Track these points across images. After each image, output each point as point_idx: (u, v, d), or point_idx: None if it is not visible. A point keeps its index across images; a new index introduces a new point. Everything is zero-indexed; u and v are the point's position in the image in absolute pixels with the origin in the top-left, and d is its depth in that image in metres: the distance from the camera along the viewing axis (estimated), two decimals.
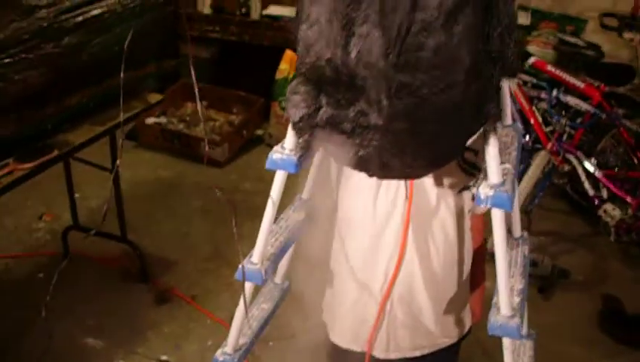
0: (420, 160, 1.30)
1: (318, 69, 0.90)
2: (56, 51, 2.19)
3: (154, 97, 2.72)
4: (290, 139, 1.43)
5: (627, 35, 3.66)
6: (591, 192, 3.20)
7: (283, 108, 4.32)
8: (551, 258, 3.12)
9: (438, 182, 1.56)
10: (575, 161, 3.24)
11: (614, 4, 4.18)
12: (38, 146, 2.19)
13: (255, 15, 4.48)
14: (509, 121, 1.71)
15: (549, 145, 3.25)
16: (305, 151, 1.49)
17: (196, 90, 1.64)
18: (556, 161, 3.26)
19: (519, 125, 1.74)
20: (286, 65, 4.28)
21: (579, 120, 3.41)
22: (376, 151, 1.06)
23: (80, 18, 2.30)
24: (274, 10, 4.42)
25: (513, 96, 3.47)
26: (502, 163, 1.47)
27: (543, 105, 3.44)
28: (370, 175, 1.38)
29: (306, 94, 0.93)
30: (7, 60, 2.04)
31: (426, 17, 1.04)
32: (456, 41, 1.08)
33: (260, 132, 4.42)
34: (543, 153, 3.21)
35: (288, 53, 4.25)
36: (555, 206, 3.74)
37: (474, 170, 1.48)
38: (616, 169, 3.42)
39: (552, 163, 3.24)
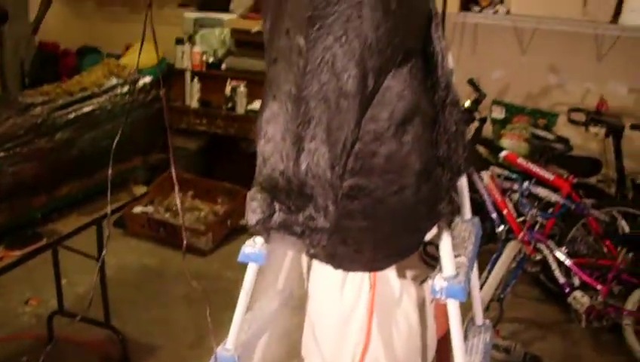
0: (380, 254, 1.43)
1: (272, 179, 1.00)
2: (48, 146, 2.33)
3: (139, 189, 2.84)
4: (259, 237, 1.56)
5: (593, 129, 3.85)
6: (562, 280, 3.30)
7: None
8: (523, 345, 3.17)
9: (401, 274, 1.66)
10: (546, 250, 3.35)
11: (583, 99, 4.42)
12: (27, 234, 2.29)
13: (241, 109, 4.67)
14: (467, 215, 1.86)
15: (521, 235, 3.37)
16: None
17: (175, 182, 1.77)
18: (528, 250, 3.37)
19: (477, 220, 1.86)
20: None
21: (550, 210, 3.55)
22: (327, 249, 1.16)
23: (72, 115, 2.45)
24: (259, 105, 4.56)
25: (486, 188, 3.62)
26: (458, 256, 1.60)
27: (515, 196, 3.58)
28: (336, 268, 1.51)
29: (262, 201, 1.04)
30: (2, 154, 2.17)
31: (377, 128, 1.18)
32: (407, 149, 1.22)
33: (243, 222, 4.50)
34: (513, 243, 3.32)
35: None
36: (528, 293, 3.83)
37: (435, 262, 1.59)
38: (586, 257, 3.53)
39: (524, 252, 3.35)
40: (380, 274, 1.63)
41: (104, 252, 1.96)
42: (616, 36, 4.09)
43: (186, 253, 2.57)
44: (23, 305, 3.44)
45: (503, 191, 3.64)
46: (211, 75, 4.83)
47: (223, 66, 4.84)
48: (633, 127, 3.78)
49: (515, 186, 3.56)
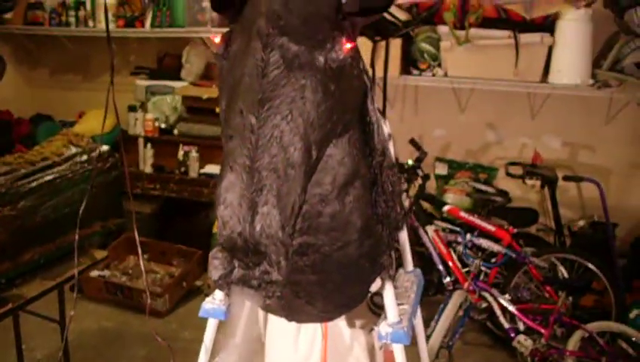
0: (330, 305, 1.57)
1: (231, 240, 1.13)
2: (12, 214, 2.42)
3: (99, 253, 2.93)
4: (218, 292, 1.70)
5: (529, 181, 4.10)
6: (506, 325, 3.46)
7: None
8: None
9: (351, 323, 1.80)
10: (490, 298, 3.53)
11: (520, 153, 4.67)
12: None
13: (193, 173, 4.78)
14: (409, 267, 2.03)
15: (466, 285, 3.55)
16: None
17: (138, 244, 1.90)
18: (473, 298, 3.54)
19: (419, 271, 2.03)
20: None
21: (493, 260, 3.74)
22: (281, 300, 1.29)
23: (34, 184, 2.55)
24: (210, 168, 4.73)
25: (432, 242, 3.81)
26: (401, 304, 1.76)
27: (460, 248, 3.77)
28: (290, 320, 1.66)
29: (223, 259, 1.16)
30: None
31: (322, 191, 1.33)
32: (349, 209, 1.38)
33: (199, 283, 4.59)
34: (458, 292, 3.49)
35: None
36: (478, 340, 3.98)
37: (381, 311, 1.73)
38: (529, 302, 3.71)
39: (470, 300, 3.52)
40: (331, 324, 1.76)
41: (72, 313, 2.05)
42: (546, 94, 4.37)
43: (144, 315, 2.66)
44: None
45: (448, 244, 3.83)
46: (164, 141, 4.96)
47: (175, 132, 4.97)
48: (566, 178, 4.03)
49: (459, 238, 3.75)
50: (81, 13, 5.17)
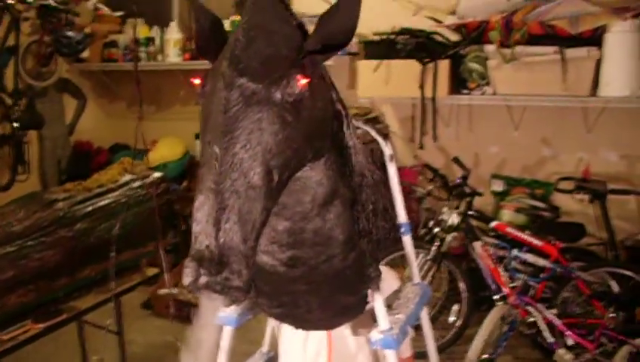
0: (327, 313, 1.73)
1: (200, 252, 1.26)
2: (69, 235, 2.70)
3: (151, 271, 3.18)
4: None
5: (577, 196, 4.11)
6: (550, 339, 3.49)
7: None
8: None
9: (356, 333, 1.94)
10: (535, 312, 3.56)
11: (577, 168, 4.65)
12: (51, 310, 2.63)
13: None
14: (416, 279, 2.15)
15: (512, 299, 3.59)
16: (244, 311, 1.94)
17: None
18: (520, 313, 3.58)
19: (425, 284, 2.15)
20: None
21: (541, 274, 3.77)
22: (285, 311, 1.46)
23: (90, 208, 2.83)
24: None
25: (480, 258, 3.88)
26: (398, 313, 1.89)
27: (510, 263, 3.82)
28: (296, 327, 1.83)
29: (192, 267, 1.33)
30: (29, 243, 2.55)
31: (303, 209, 1.50)
32: (330, 225, 1.54)
33: None
34: (499, 306, 3.55)
35: None
36: (530, 355, 3.98)
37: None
38: (578, 317, 3.72)
39: (515, 315, 3.56)
40: (336, 333, 1.91)
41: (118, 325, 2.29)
42: (601, 108, 4.35)
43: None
44: None
45: (499, 259, 3.89)
46: None
47: None
48: (613, 191, 4.01)
49: (506, 253, 3.81)
50: (151, 48, 5.54)
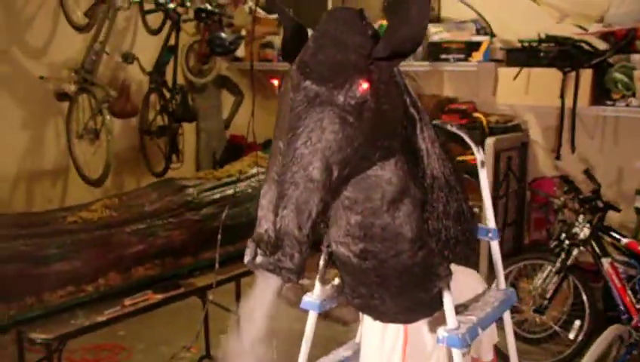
0: (400, 307, 1.83)
1: (260, 234, 1.37)
2: (195, 218, 2.97)
3: None
4: (316, 288, 2.03)
5: None
6: None
7: None
8: None
9: (433, 331, 2.00)
10: None
11: None
12: (170, 284, 2.91)
13: None
14: (502, 286, 2.14)
15: (635, 321, 3.44)
16: (329, 298, 2.07)
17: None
18: None
19: (512, 291, 2.14)
20: None
21: None
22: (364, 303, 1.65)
23: (217, 195, 3.09)
24: None
25: (607, 275, 3.73)
26: (470, 314, 1.92)
27: None
28: (374, 318, 1.93)
29: (251, 248, 1.47)
30: (158, 222, 2.84)
31: (373, 206, 1.60)
32: (399, 222, 1.62)
33: None
34: (614, 326, 3.40)
35: None
36: None
37: None
38: None
39: (635, 337, 3.40)
40: (413, 329, 1.98)
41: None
42: None
43: (330, 321, 2.98)
44: (184, 351, 4.05)
45: (628, 279, 3.73)
46: None
47: None
48: None
49: (635, 273, 3.64)
50: None
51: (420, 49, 5.04)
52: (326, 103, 1.43)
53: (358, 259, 1.73)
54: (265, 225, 1.42)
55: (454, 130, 2.14)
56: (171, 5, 4.64)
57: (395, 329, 2.03)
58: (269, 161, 1.50)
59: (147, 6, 4.92)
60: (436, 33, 4.94)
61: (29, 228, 2.83)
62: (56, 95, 4.81)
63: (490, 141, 4.48)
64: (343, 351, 2.36)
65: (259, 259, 1.44)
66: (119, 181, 5.26)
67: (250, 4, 5.32)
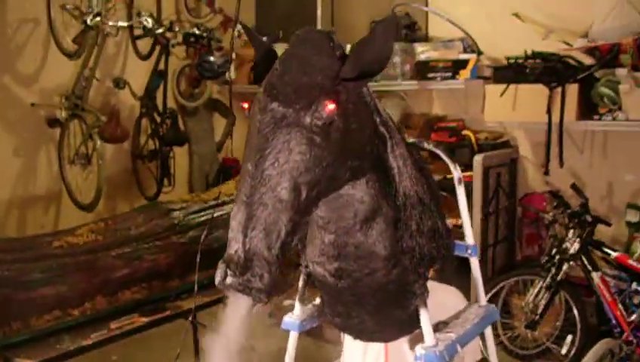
0: (379, 325, 1.83)
1: (230, 255, 1.40)
2: (181, 241, 2.99)
3: None
4: (296, 308, 2.04)
5: None
6: None
7: None
8: None
9: (414, 348, 2.01)
10: None
11: None
12: (157, 307, 2.92)
13: None
14: (482, 301, 2.16)
15: (625, 335, 3.44)
16: (310, 317, 2.08)
17: None
18: (636, 350, 3.41)
19: (492, 307, 2.16)
20: None
21: None
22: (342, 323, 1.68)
23: (203, 218, 3.10)
24: None
25: (598, 289, 3.73)
26: (449, 332, 1.93)
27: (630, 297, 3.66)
28: (354, 337, 1.94)
29: (222, 269, 1.49)
30: (144, 246, 2.85)
31: (345, 225, 1.61)
32: (372, 241, 1.64)
33: None
34: (604, 340, 3.40)
35: None
36: None
37: None
38: None
39: (626, 351, 3.39)
40: (393, 347, 1.99)
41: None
42: None
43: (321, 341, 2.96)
44: None
45: (619, 293, 3.73)
46: None
47: None
48: None
49: (625, 286, 3.64)
50: None
51: (408, 68, 5.08)
52: (293, 125, 1.45)
53: (334, 278, 1.74)
54: (234, 246, 1.44)
55: (431, 148, 2.16)
56: (159, 30, 4.69)
57: (377, 348, 2.04)
58: (239, 182, 1.52)
59: (137, 32, 4.97)
60: (423, 52, 4.98)
61: (13, 253, 2.84)
62: (48, 121, 4.87)
63: (478, 158, 4.49)
64: None
65: (229, 279, 1.46)
66: (112, 205, 5.27)
67: (239, 28, 5.37)
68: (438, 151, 2.16)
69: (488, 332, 2.18)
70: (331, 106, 1.46)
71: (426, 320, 1.83)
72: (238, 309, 1.89)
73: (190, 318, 2.80)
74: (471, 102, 5.20)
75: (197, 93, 5.85)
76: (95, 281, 2.84)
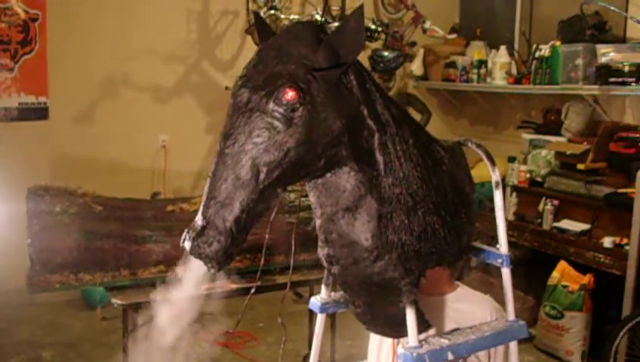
0: (377, 320, 1.88)
1: (195, 221, 1.52)
2: (291, 221, 3.14)
3: None
4: (322, 291, 2.13)
5: None
6: None
7: (547, 314, 4.59)
8: None
9: None
10: None
11: None
12: (251, 275, 3.12)
13: (546, 226, 4.87)
14: (510, 316, 2.03)
15: None
16: (335, 302, 2.14)
17: None
18: None
19: (522, 325, 2.01)
20: (557, 274, 4.55)
21: None
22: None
23: None
24: (565, 223, 4.74)
25: None
26: (446, 339, 1.87)
27: None
28: (366, 328, 1.99)
29: (184, 233, 1.58)
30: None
31: (327, 212, 1.67)
32: (353, 230, 1.68)
33: (532, 331, 4.62)
34: None
35: (562, 263, 4.55)
36: None
37: None
38: None
39: None
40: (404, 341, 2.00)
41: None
42: None
43: None
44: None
45: None
46: (529, 191, 5.18)
47: (546, 185, 5.09)
48: None
49: None
50: (482, 70, 5.76)
51: (592, 71, 4.73)
52: (255, 109, 1.55)
53: (328, 263, 1.81)
54: (199, 217, 1.59)
55: (473, 147, 2.09)
56: (334, 24, 4.90)
57: (390, 343, 2.06)
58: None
59: None
60: (605, 54, 4.59)
61: (133, 211, 3.24)
62: None
63: None
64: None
65: (186, 243, 1.61)
66: None
67: (428, 24, 5.42)
68: (480, 152, 2.07)
69: (513, 346, 2.06)
70: (291, 94, 1.53)
71: (411, 320, 1.80)
72: (193, 273, 2.03)
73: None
74: None
75: (390, 86, 5.98)
76: None
